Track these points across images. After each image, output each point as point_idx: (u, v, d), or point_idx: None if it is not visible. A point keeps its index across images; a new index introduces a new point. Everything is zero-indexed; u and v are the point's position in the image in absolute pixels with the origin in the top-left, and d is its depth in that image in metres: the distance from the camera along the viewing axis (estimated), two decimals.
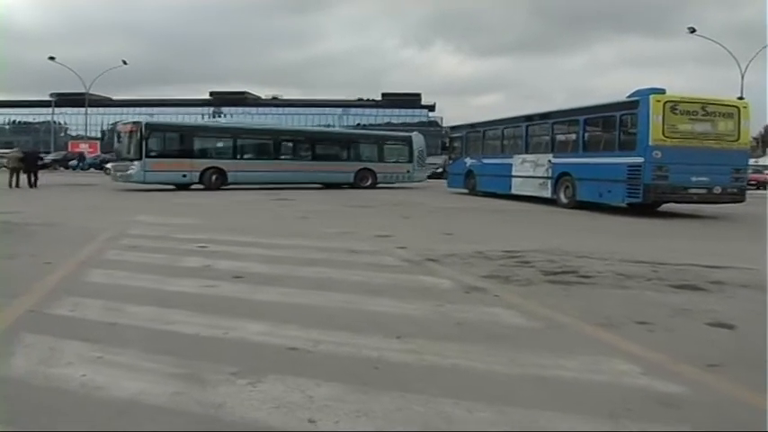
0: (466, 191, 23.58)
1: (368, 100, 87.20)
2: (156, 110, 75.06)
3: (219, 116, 77.73)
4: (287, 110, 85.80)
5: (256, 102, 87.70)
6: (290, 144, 28.05)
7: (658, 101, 14.31)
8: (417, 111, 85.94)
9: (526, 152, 19.89)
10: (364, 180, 28.01)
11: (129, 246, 8.39)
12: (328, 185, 27.24)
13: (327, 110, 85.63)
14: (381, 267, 6.97)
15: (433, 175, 38.60)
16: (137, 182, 22.59)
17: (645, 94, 14.61)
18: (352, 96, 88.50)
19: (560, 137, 18.57)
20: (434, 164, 41.42)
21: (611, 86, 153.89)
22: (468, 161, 23.79)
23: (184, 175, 23.35)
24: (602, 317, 4.86)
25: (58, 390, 3.20)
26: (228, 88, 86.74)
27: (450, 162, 26.58)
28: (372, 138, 32.21)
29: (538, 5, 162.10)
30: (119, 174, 23.46)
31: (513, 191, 20.35)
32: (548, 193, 18.35)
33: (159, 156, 22.84)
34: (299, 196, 20.90)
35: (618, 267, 7.15)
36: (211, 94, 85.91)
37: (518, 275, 6.58)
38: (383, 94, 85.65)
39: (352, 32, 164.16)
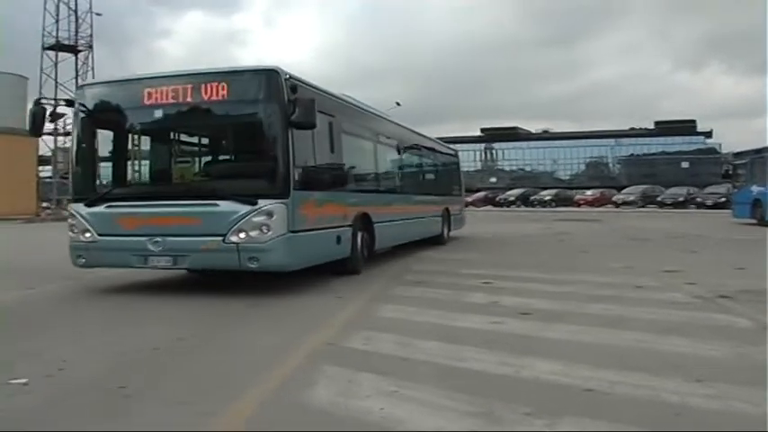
0: (753, 221, 21.16)
1: (640, 129, 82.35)
2: None
3: (491, 152, 78.07)
4: (557, 143, 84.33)
5: (527, 136, 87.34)
6: (415, 161, 14.82)
7: None
8: (693, 138, 79.19)
9: None
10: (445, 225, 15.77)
11: (415, 281, 8.71)
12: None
13: (598, 141, 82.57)
14: (671, 304, 6.55)
15: (716, 205, 37.43)
16: (270, 266, 7.30)
17: None
18: (623, 126, 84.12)
19: None
20: (717, 193, 39.57)
21: None
22: (755, 189, 21.39)
23: (339, 238, 8.79)
24: None
25: (360, 421, 3.32)
26: (499, 123, 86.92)
27: (735, 191, 24.26)
28: (442, 153, 17.88)
29: None
30: (207, 244, 7.21)
31: None
32: None
33: (307, 185, 7.78)
34: (574, 228, 20.25)
35: None
36: (482, 130, 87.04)
37: None
38: (656, 122, 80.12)
39: (621, 60, 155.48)
